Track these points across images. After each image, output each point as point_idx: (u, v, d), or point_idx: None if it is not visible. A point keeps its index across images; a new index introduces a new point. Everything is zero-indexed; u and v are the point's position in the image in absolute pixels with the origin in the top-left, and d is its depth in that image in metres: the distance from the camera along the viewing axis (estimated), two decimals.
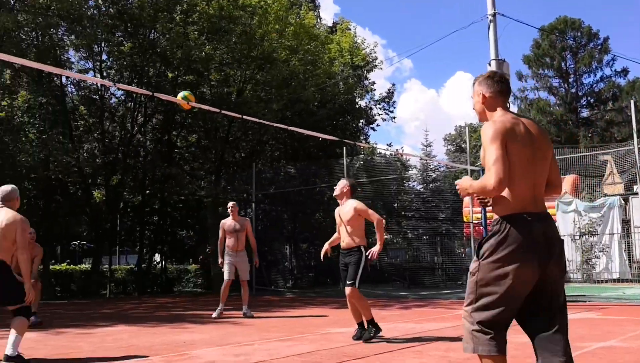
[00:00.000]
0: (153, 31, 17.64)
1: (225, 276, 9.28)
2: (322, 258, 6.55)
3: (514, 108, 40.07)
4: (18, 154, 15.55)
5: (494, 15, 11.21)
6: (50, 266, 18.91)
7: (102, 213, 18.45)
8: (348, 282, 6.03)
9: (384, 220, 6.38)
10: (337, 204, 6.52)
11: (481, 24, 11.51)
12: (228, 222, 9.41)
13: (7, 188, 5.32)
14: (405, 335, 6.55)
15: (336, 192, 6.44)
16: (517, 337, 3.23)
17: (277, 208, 19.55)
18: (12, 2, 15.69)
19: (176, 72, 18.23)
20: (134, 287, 20.02)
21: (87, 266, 22.60)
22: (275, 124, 7.98)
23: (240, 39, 17.53)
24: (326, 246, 6.53)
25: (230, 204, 9.56)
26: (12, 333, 4.79)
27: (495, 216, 2.62)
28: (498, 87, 2.83)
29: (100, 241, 18.84)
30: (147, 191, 19.90)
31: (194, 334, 7.07)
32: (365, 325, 6.14)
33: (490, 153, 2.52)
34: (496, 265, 2.52)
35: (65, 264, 26.10)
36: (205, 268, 21.29)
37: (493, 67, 11.10)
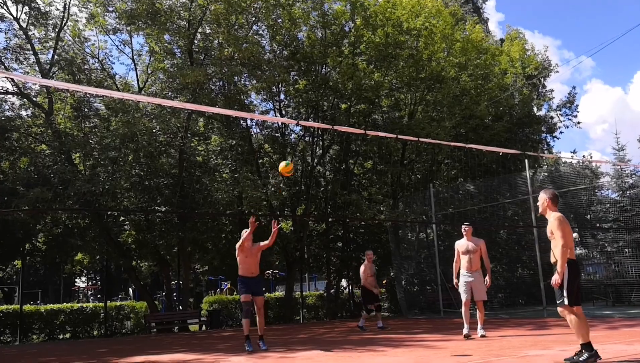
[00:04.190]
0: (324, 66, 18.53)
1: (462, 297, 9.36)
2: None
3: None
4: (215, 192, 17.16)
5: None
6: None
7: (291, 242, 19.51)
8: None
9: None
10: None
11: None
12: (462, 243, 9.48)
13: None
14: (616, 358, 6.02)
15: (540, 210, 6.12)
16: None
17: (458, 228, 19.10)
18: (202, 57, 17.51)
19: (348, 103, 18.88)
20: (325, 312, 20.81)
21: (280, 293, 23.99)
22: (451, 143, 7.90)
23: (408, 63, 17.72)
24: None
25: (463, 226, 9.61)
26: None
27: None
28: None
29: (291, 269, 19.91)
30: (330, 219, 20.70)
31: (387, 357, 7.16)
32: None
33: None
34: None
35: None
36: (390, 291, 21.46)
37: None
